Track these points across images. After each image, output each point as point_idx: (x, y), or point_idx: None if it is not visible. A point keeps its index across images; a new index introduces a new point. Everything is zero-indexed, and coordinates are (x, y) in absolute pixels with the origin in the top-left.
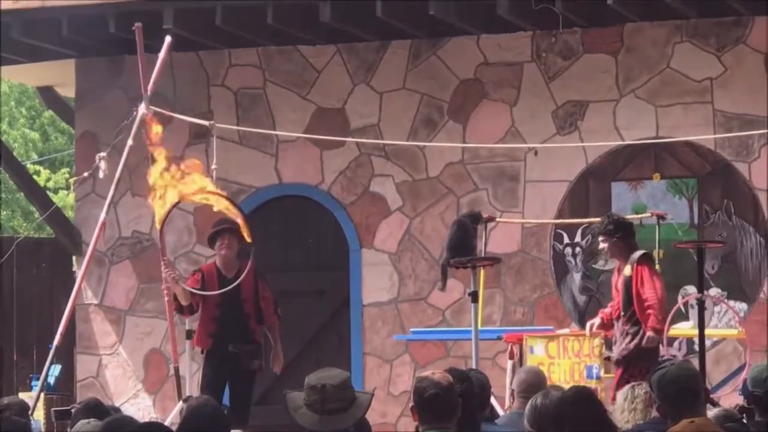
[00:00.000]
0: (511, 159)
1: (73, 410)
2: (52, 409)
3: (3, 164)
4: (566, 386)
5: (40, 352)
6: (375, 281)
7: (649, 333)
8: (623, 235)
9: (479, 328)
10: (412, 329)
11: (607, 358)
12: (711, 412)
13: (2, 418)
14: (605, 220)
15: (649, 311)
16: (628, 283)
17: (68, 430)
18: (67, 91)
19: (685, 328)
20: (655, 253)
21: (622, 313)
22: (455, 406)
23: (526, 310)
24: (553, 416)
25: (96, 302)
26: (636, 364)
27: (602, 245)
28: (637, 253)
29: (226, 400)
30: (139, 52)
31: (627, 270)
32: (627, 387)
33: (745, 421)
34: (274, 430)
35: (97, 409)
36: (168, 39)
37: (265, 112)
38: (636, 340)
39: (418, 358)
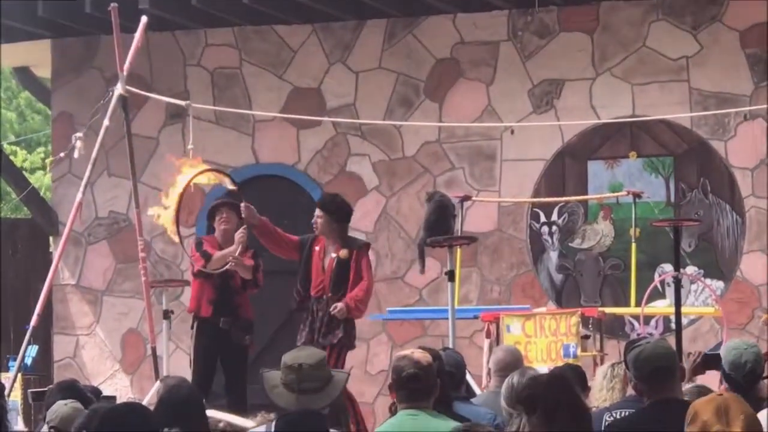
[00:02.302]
0: (488, 138)
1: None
2: (29, 390)
3: None
4: (543, 365)
5: (16, 332)
6: None
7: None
8: (339, 217)
9: (456, 307)
10: (388, 309)
11: (584, 337)
12: (685, 388)
13: None
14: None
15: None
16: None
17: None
18: (43, 71)
19: (662, 307)
20: (632, 232)
21: (330, 294)
22: (433, 386)
23: (503, 289)
24: (524, 397)
25: (73, 283)
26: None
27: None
28: (362, 241)
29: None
30: (115, 32)
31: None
32: (607, 365)
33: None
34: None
35: (72, 389)
36: (144, 19)
37: (242, 92)
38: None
39: (395, 338)
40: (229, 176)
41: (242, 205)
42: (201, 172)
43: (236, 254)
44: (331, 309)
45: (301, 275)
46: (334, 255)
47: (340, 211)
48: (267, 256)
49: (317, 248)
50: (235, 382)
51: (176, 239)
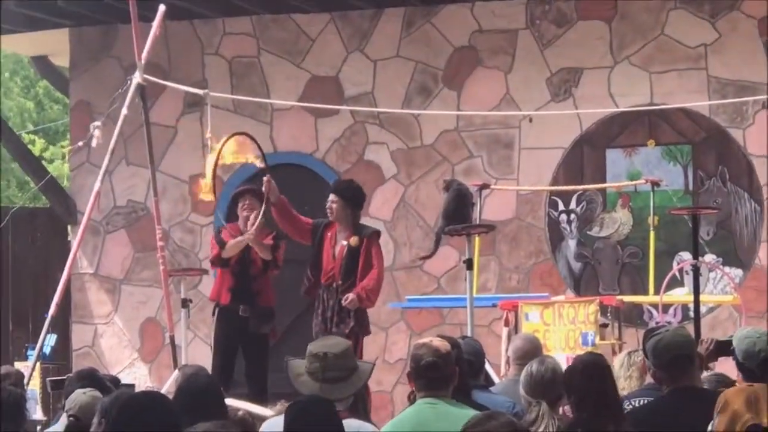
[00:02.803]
0: (506, 126)
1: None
2: (48, 379)
3: None
4: (561, 353)
5: (35, 321)
6: None
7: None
8: (354, 204)
9: (474, 295)
10: (407, 297)
11: (603, 325)
12: (703, 376)
13: None
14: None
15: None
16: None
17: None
18: (62, 60)
19: (680, 295)
20: (650, 220)
21: (341, 282)
22: (452, 374)
23: (521, 278)
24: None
25: (91, 271)
26: None
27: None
28: (372, 228)
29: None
30: (133, 21)
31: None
32: (623, 354)
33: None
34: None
35: (90, 377)
36: (162, 8)
37: (260, 81)
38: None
39: (413, 326)
40: (260, 151)
41: (265, 178)
42: (234, 135)
43: (251, 234)
44: (342, 300)
45: (312, 261)
46: (344, 243)
47: (355, 197)
48: (288, 244)
49: (329, 234)
50: (256, 370)
51: (211, 197)
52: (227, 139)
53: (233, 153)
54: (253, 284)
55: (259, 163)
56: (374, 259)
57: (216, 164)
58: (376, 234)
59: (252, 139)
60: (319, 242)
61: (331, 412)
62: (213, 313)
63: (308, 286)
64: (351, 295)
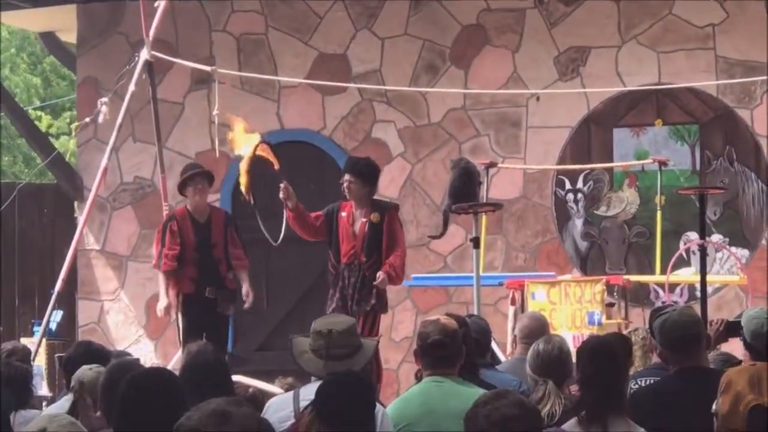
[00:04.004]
0: (513, 105)
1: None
2: (56, 355)
3: (5, 110)
4: (568, 332)
5: (41, 297)
6: None
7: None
8: (371, 181)
9: (481, 274)
10: (413, 275)
11: (609, 304)
12: (710, 355)
13: (5, 364)
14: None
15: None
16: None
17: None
18: (69, 36)
19: (687, 275)
20: (657, 200)
21: (365, 259)
22: (458, 353)
23: (528, 256)
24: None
25: (98, 248)
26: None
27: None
28: (390, 202)
29: None
30: None
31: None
32: (625, 333)
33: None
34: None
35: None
36: None
37: (267, 58)
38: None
39: (419, 304)
40: (275, 158)
41: (282, 184)
42: (257, 146)
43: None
44: (375, 280)
45: (332, 246)
46: (364, 219)
47: (371, 175)
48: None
49: (343, 214)
50: (219, 351)
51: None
52: (255, 148)
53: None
54: (219, 267)
55: (273, 160)
56: (397, 234)
57: (249, 172)
58: (395, 208)
59: (269, 145)
60: (335, 226)
61: (363, 390)
62: (177, 297)
63: (334, 275)
64: (382, 275)
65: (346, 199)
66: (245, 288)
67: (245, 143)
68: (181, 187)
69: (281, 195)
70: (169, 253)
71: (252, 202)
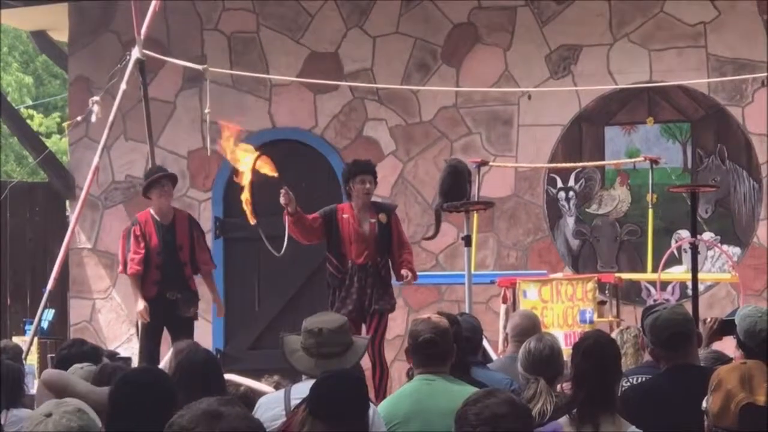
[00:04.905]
0: (505, 103)
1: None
2: (49, 355)
3: None
4: (559, 330)
5: (33, 296)
6: None
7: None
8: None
9: (472, 272)
10: None
11: (601, 302)
12: (702, 353)
13: None
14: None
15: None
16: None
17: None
18: (61, 35)
19: (679, 273)
20: (648, 198)
21: (379, 259)
22: (449, 351)
23: (520, 255)
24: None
25: (89, 246)
26: None
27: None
28: (392, 204)
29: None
30: None
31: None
32: (616, 332)
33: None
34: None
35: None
36: None
37: (259, 56)
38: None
39: (411, 302)
40: (272, 165)
41: (283, 190)
42: (257, 158)
43: (141, 310)
44: (404, 277)
45: (335, 249)
46: (373, 220)
47: (377, 177)
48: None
49: (345, 216)
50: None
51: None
52: (255, 162)
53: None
54: (184, 269)
55: (273, 173)
56: (404, 234)
57: (250, 190)
58: (396, 208)
59: (265, 161)
60: (336, 228)
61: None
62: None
63: (340, 277)
64: (408, 273)
65: (341, 201)
66: (215, 297)
67: (242, 159)
68: (146, 191)
69: (282, 200)
70: (135, 257)
71: (255, 221)
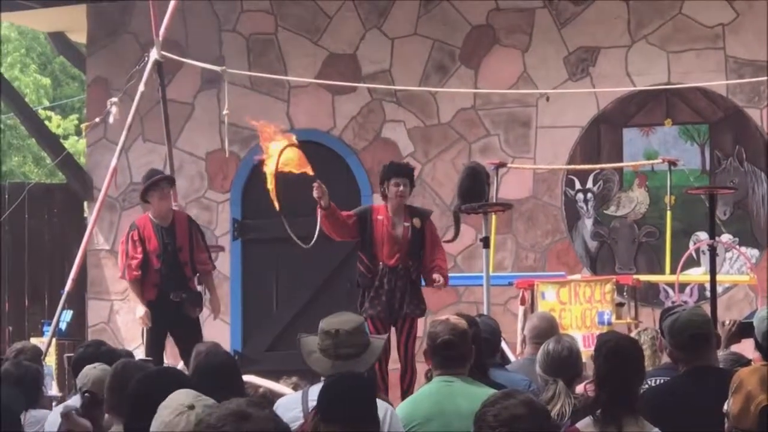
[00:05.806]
0: (523, 105)
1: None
2: (65, 355)
3: (15, 110)
4: (578, 332)
5: (51, 297)
6: None
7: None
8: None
9: (491, 273)
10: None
11: (619, 304)
12: (720, 355)
13: (15, 363)
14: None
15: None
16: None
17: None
18: (79, 36)
19: (697, 274)
20: (667, 199)
21: (411, 262)
22: (468, 353)
23: (538, 256)
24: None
25: (107, 248)
26: None
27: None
28: (427, 209)
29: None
30: None
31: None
32: (633, 333)
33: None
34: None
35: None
36: None
37: (277, 58)
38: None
39: (429, 304)
40: (302, 159)
41: (315, 183)
42: (287, 147)
43: (142, 316)
44: (436, 281)
45: (367, 249)
46: (407, 224)
47: (413, 179)
48: (300, 219)
49: (379, 218)
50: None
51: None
52: (282, 150)
53: (287, 164)
54: (185, 270)
55: (310, 171)
56: (438, 239)
57: (275, 178)
58: (431, 213)
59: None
60: (370, 228)
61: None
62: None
63: (370, 277)
64: (439, 276)
65: (359, 203)
66: (214, 298)
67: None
68: (144, 194)
69: (315, 193)
70: (132, 262)
71: (278, 207)
